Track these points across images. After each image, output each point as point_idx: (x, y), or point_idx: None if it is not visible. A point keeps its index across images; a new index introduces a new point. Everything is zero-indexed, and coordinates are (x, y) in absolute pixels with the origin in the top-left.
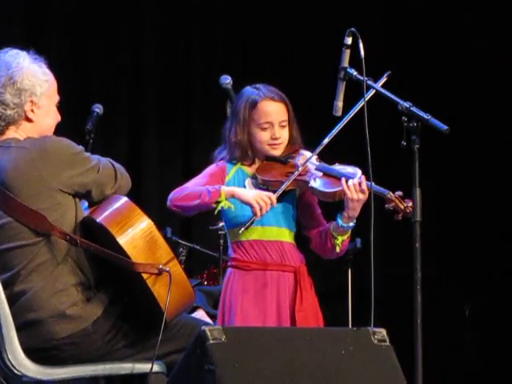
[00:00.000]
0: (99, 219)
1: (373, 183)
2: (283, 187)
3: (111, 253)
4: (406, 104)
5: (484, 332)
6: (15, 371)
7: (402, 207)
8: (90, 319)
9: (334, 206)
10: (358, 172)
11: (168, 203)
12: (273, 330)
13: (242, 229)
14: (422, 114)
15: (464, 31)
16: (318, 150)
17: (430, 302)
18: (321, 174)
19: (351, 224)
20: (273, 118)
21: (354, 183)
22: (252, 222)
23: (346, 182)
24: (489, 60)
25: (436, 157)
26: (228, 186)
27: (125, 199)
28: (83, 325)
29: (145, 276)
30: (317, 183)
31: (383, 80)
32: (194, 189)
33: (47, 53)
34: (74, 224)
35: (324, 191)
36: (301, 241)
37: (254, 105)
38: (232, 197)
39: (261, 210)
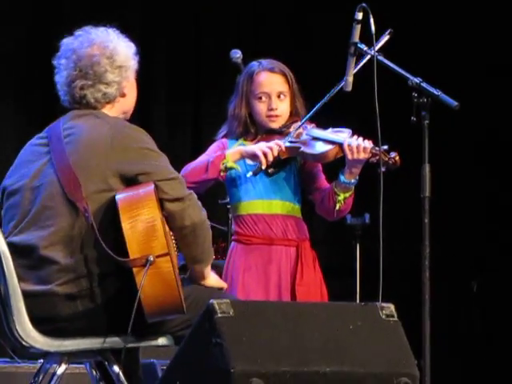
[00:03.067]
0: (117, 196)
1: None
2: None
3: (104, 246)
4: (416, 79)
5: (491, 308)
6: (23, 342)
7: (386, 159)
8: (101, 298)
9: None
10: (347, 131)
11: None
12: (281, 305)
13: (250, 173)
14: (432, 89)
15: (475, 4)
16: (311, 114)
17: (438, 278)
18: (310, 138)
19: (353, 180)
20: (269, 88)
21: (351, 144)
22: (260, 169)
23: (345, 144)
24: (500, 33)
25: (446, 132)
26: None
27: (151, 188)
28: (94, 303)
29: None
30: (306, 148)
31: (385, 39)
32: (198, 163)
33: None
34: None
35: (314, 153)
36: (307, 216)
37: (251, 76)
38: (239, 157)
39: (265, 155)
